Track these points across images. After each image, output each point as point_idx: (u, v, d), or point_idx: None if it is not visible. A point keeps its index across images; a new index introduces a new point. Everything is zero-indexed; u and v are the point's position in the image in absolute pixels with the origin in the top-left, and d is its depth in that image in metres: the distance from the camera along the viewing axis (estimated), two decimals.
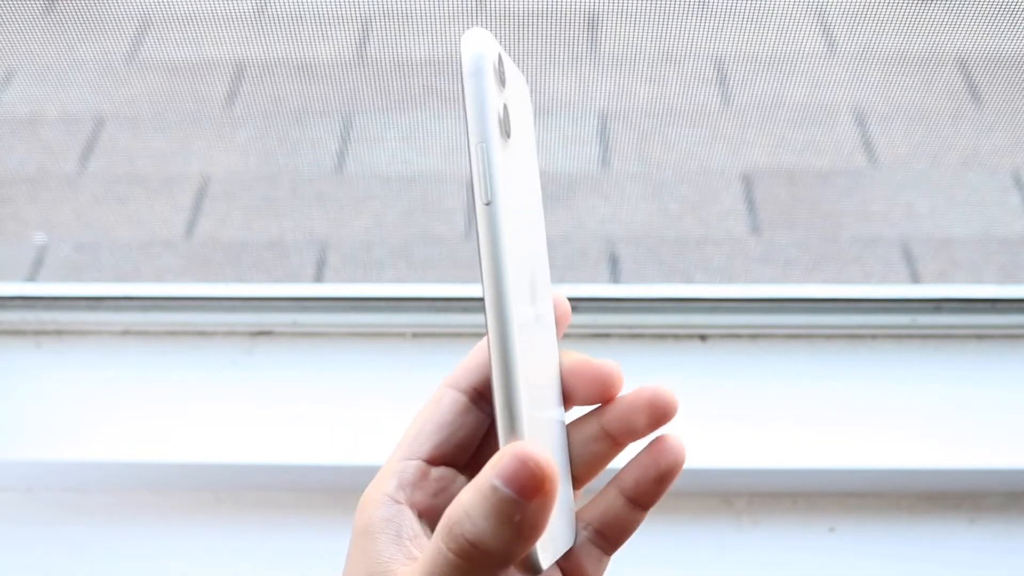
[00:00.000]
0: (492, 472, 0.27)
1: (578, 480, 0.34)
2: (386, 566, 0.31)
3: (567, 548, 0.33)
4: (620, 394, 0.34)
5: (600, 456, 0.34)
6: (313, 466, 0.71)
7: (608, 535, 0.34)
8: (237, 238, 0.95)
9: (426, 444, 0.34)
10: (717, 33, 0.75)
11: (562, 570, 0.34)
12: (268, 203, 0.97)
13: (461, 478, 0.34)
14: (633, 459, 0.34)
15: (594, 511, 0.34)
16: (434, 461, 0.34)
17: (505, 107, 0.31)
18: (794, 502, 0.71)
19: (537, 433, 0.30)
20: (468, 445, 0.35)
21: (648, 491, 0.34)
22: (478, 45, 0.30)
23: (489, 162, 0.30)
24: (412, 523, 0.32)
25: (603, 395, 0.33)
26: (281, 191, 0.98)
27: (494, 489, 0.27)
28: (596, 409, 0.34)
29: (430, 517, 0.33)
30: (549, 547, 0.31)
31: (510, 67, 0.33)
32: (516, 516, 0.27)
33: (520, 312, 0.30)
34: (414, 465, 0.34)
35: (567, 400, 0.34)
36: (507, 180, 0.30)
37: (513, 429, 0.29)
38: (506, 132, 0.31)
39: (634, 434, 0.33)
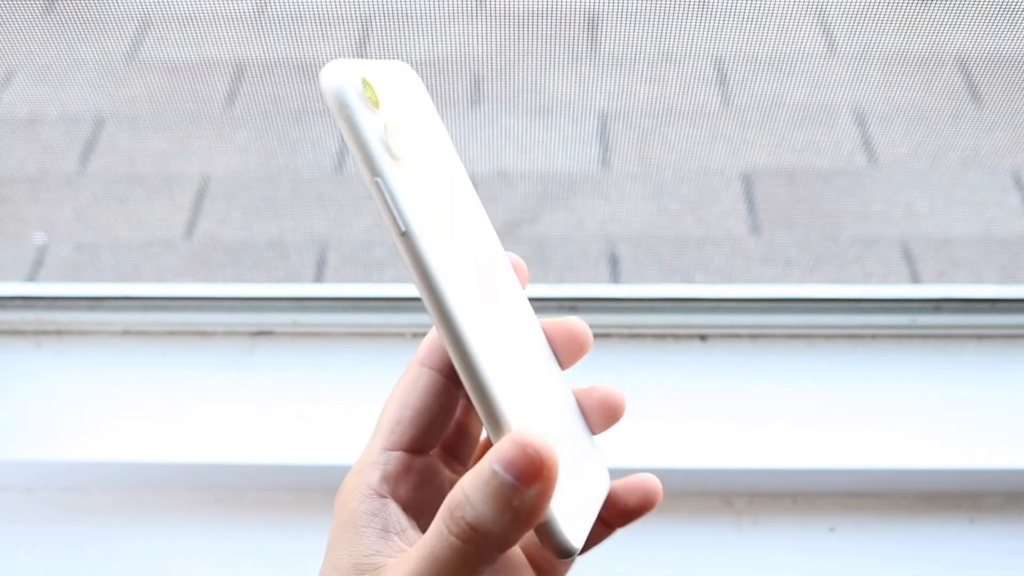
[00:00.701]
0: (493, 457, 0.28)
1: None
2: (373, 559, 0.31)
3: (598, 507, 0.33)
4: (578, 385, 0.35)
5: None
6: (313, 466, 0.71)
7: None
8: (237, 238, 0.95)
9: (407, 433, 0.34)
10: (717, 33, 0.75)
11: (532, 562, 0.35)
12: (268, 203, 0.97)
13: (443, 469, 0.35)
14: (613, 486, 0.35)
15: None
16: (416, 449, 0.34)
17: (386, 127, 0.30)
18: (794, 502, 0.71)
19: (528, 414, 0.31)
20: (446, 427, 0.35)
21: (616, 517, 0.35)
22: (336, 78, 0.29)
23: (391, 193, 0.29)
24: (399, 517, 0.32)
25: (577, 353, 0.35)
26: (281, 191, 0.98)
27: (494, 474, 0.28)
28: None
29: (414, 510, 0.33)
30: (577, 525, 0.31)
31: (387, 78, 0.31)
32: (515, 501, 0.27)
33: (474, 317, 0.30)
34: (396, 457, 0.33)
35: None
36: (415, 200, 0.30)
37: (497, 420, 0.29)
38: (395, 154, 0.30)
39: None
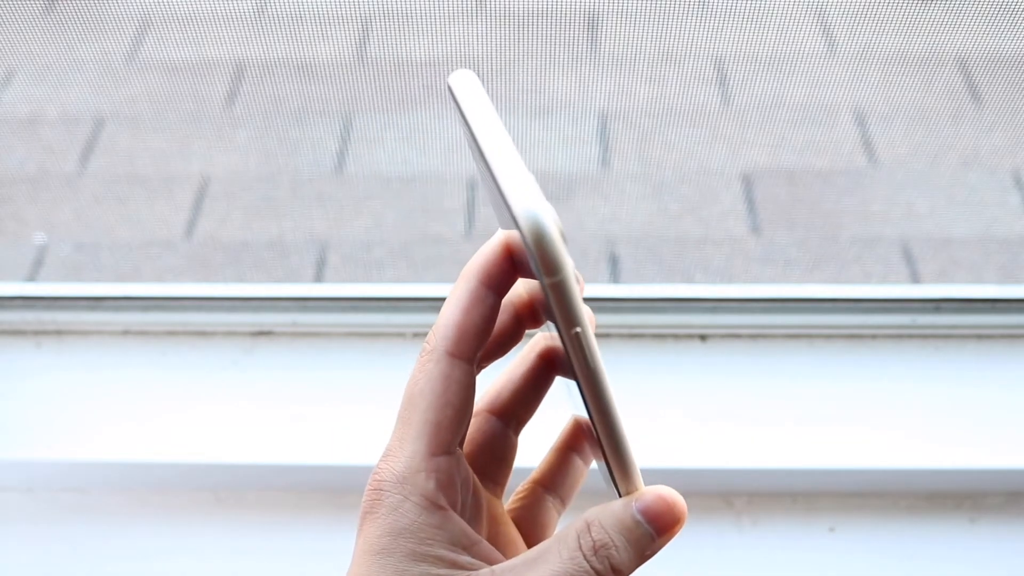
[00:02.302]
0: (638, 507, 0.31)
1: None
2: (451, 573, 0.31)
3: None
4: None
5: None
6: (313, 466, 0.71)
7: (520, 416, 0.37)
8: (237, 238, 0.95)
9: (451, 433, 0.32)
10: (717, 33, 0.75)
11: (519, 525, 0.36)
12: (268, 203, 0.97)
13: (464, 461, 0.33)
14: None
15: (501, 397, 0.37)
16: (454, 450, 0.32)
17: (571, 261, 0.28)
18: (794, 502, 0.71)
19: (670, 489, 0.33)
20: (469, 423, 0.34)
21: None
22: (543, 217, 0.26)
23: (588, 342, 0.28)
24: (464, 529, 0.32)
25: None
26: (281, 191, 0.98)
27: (638, 524, 0.31)
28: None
29: (463, 514, 0.33)
30: None
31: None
32: (648, 551, 0.31)
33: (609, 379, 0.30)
34: (446, 462, 0.32)
35: None
36: (591, 333, 0.29)
37: (632, 476, 0.31)
38: (577, 277, 0.28)
39: None
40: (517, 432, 0.37)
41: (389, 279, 0.91)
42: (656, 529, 0.31)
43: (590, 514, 0.32)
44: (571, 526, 0.32)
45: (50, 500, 0.73)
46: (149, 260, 0.94)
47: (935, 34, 0.74)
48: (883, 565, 0.69)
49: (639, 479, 0.32)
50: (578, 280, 0.28)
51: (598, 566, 0.31)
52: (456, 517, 0.32)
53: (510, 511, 0.37)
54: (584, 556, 0.31)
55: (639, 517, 0.31)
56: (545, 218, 0.26)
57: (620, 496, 0.32)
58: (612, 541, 0.31)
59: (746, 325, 0.77)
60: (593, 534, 0.31)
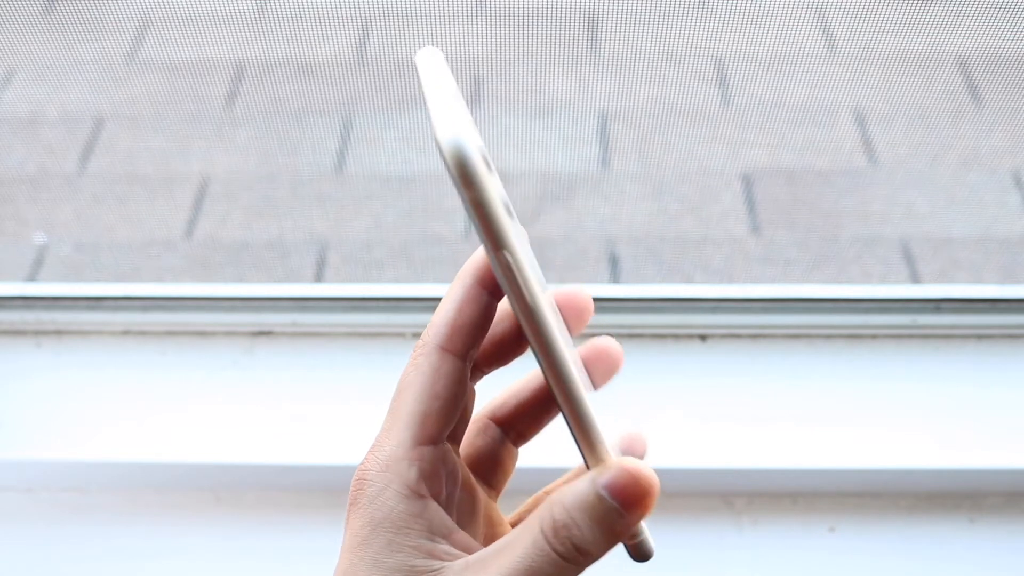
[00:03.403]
0: (600, 483, 0.29)
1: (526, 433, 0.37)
2: (426, 563, 0.31)
3: None
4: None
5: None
6: (313, 466, 0.71)
7: (521, 429, 0.36)
8: (237, 238, 0.95)
9: (438, 425, 0.32)
10: (717, 33, 0.75)
11: (475, 471, 0.35)
12: (268, 203, 0.97)
13: (455, 455, 0.34)
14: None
15: (506, 407, 0.36)
16: (441, 441, 0.32)
17: (500, 185, 0.29)
18: (794, 502, 0.72)
19: (612, 440, 0.31)
20: (462, 416, 0.34)
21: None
22: (458, 139, 0.26)
23: (518, 265, 0.28)
24: (443, 519, 0.31)
25: (609, 372, 0.35)
26: (281, 191, 0.98)
27: (600, 499, 0.29)
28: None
29: (447, 507, 0.32)
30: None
31: (460, 100, 0.30)
32: (617, 527, 0.29)
33: (572, 361, 0.29)
34: (430, 452, 0.32)
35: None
36: (526, 259, 0.29)
37: (598, 451, 0.30)
38: (509, 210, 0.29)
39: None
40: (517, 443, 0.37)
41: (389, 279, 0.91)
42: (623, 504, 0.29)
43: (555, 494, 0.30)
44: (538, 508, 0.30)
45: (50, 500, 0.73)
46: (149, 260, 0.94)
47: (935, 34, 0.75)
48: (883, 565, 0.69)
49: (606, 451, 0.29)
50: (509, 211, 0.28)
51: (559, 548, 0.29)
52: (435, 506, 0.31)
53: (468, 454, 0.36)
54: (546, 539, 0.29)
55: (603, 492, 0.29)
56: (465, 139, 0.27)
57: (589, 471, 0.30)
58: (574, 520, 0.29)
59: (746, 325, 0.77)
60: (554, 515, 0.29)
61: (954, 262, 0.92)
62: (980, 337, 0.76)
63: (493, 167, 0.28)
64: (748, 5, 0.73)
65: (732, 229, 0.94)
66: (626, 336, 0.77)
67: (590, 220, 0.95)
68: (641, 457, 0.34)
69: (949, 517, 0.71)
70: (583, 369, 0.34)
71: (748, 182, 0.97)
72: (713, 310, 0.76)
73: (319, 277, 0.91)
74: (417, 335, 0.78)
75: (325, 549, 0.70)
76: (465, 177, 0.26)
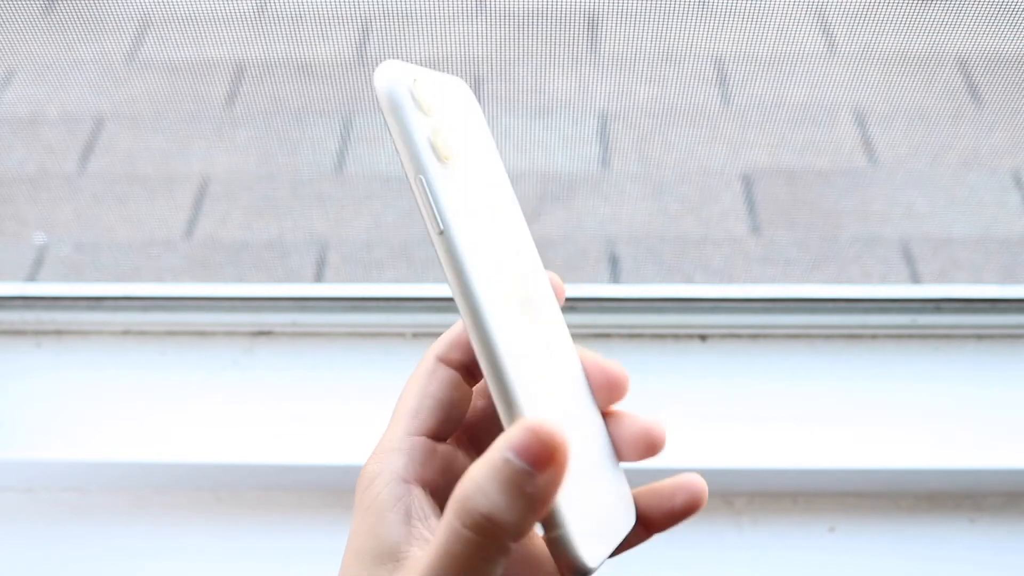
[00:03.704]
0: (505, 445, 0.27)
1: None
2: (396, 547, 0.31)
3: (619, 539, 0.33)
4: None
5: None
6: (313, 466, 0.71)
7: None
8: (237, 238, 0.95)
9: (429, 420, 0.34)
10: (717, 33, 0.75)
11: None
12: (268, 203, 0.97)
13: (462, 455, 0.35)
14: (653, 486, 0.35)
15: None
16: (437, 437, 0.34)
17: (436, 130, 0.31)
18: (794, 502, 0.72)
19: (544, 409, 0.31)
20: (462, 420, 0.35)
21: (661, 519, 0.35)
22: (389, 77, 0.30)
23: (432, 192, 0.30)
24: (422, 503, 0.32)
25: (611, 398, 0.34)
26: (281, 191, 0.98)
27: (506, 462, 0.27)
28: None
29: (437, 496, 0.33)
30: (593, 545, 0.31)
31: (439, 86, 0.32)
32: (528, 487, 0.27)
33: (503, 314, 0.31)
34: (421, 442, 0.33)
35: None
36: (455, 202, 0.30)
37: (512, 410, 0.30)
38: (441, 155, 0.31)
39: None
40: None
41: (389, 279, 0.91)
42: (529, 462, 0.27)
43: (468, 469, 0.29)
44: None
45: (50, 500, 0.73)
46: (149, 260, 0.94)
47: (935, 34, 0.74)
48: (883, 565, 0.69)
49: (520, 412, 0.29)
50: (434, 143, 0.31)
51: (467, 521, 0.27)
52: (419, 491, 0.32)
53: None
54: (455, 515, 0.28)
55: (508, 454, 0.27)
56: (396, 78, 0.30)
57: None
58: (481, 489, 0.27)
59: (746, 325, 0.77)
60: (462, 488, 0.28)
61: (954, 262, 0.92)
62: (980, 337, 0.76)
63: (423, 104, 0.31)
64: (748, 5, 0.73)
65: (732, 229, 0.94)
66: (626, 336, 0.77)
67: (590, 220, 0.95)
68: (657, 449, 0.34)
69: (949, 517, 0.71)
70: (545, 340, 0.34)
71: (748, 182, 0.97)
72: (713, 310, 0.76)
73: (319, 277, 0.91)
74: (417, 335, 0.78)
75: (325, 549, 0.70)
76: (388, 109, 0.30)
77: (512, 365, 0.30)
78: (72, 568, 0.70)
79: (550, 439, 0.27)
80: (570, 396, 0.33)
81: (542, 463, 0.27)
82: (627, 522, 0.34)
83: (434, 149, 0.30)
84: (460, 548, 0.28)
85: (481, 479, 0.28)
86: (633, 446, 0.34)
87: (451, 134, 0.32)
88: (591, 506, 0.32)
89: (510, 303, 0.31)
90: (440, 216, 0.30)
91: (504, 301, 0.31)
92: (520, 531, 0.28)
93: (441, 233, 0.30)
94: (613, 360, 0.35)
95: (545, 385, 0.32)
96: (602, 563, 0.31)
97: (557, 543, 0.30)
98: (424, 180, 0.30)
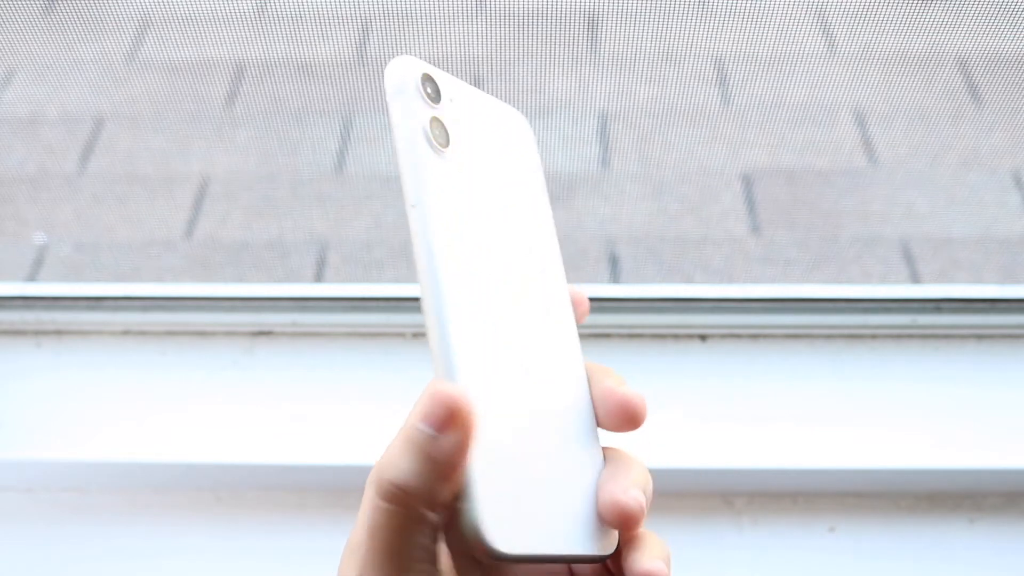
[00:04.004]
0: (412, 413, 0.28)
1: None
2: None
3: (564, 549, 0.31)
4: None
5: None
6: (313, 466, 0.71)
7: None
8: (237, 238, 0.95)
9: None
10: (717, 33, 0.75)
11: None
12: (268, 203, 0.97)
13: None
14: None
15: None
16: None
17: (437, 120, 0.32)
18: (794, 502, 0.72)
19: (492, 396, 0.30)
20: None
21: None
22: (399, 66, 0.32)
23: (413, 169, 0.31)
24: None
25: (624, 427, 0.33)
26: (281, 191, 0.98)
27: (412, 428, 0.28)
28: None
29: None
30: (518, 529, 0.29)
31: (471, 98, 0.34)
32: (432, 451, 0.28)
33: (459, 288, 0.31)
34: None
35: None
36: (438, 186, 0.31)
37: (444, 375, 0.30)
38: (436, 143, 0.32)
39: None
40: None
41: (389, 279, 0.91)
42: (432, 426, 0.28)
43: None
44: None
45: (50, 500, 0.73)
46: (149, 260, 0.94)
47: (935, 34, 0.74)
48: (883, 565, 0.69)
49: (449, 375, 0.29)
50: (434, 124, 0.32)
51: (381, 491, 0.28)
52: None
53: None
54: (371, 488, 0.29)
55: (413, 420, 0.28)
56: (402, 71, 0.33)
57: None
58: (391, 458, 0.28)
59: (746, 325, 0.76)
60: (376, 462, 0.29)
61: (954, 262, 0.92)
62: (980, 337, 0.76)
63: (453, 102, 0.33)
64: (748, 5, 0.73)
65: (732, 229, 0.94)
66: (626, 336, 0.77)
67: (590, 220, 0.95)
68: (636, 421, 0.33)
69: (949, 517, 0.71)
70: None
71: (748, 182, 0.97)
72: (713, 310, 0.76)
73: (319, 277, 0.91)
74: (417, 335, 0.78)
75: (325, 549, 0.70)
76: (390, 94, 0.32)
77: (455, 336, 0.30)
78: (72, 568, 0.70)
79: (451, 402, 0.28)
80: (541, 394, 0.32)
81: (443, 425, 0.28)
82: (590, 543, 0.31)
83: (427, 134, 0.32)
84: (379, 519, 0.28)
85: (392, 450, 0.29)
86: (610, 417, 0.33)
87: (460, 131, 0.33)
88: (531, 498, 0.30)
89: (481, 287, 0.32)
90: (415, 191, 0.31)
91: (470, 280, 0.31)
92: (430, 497, 0.28)
93: (412, 206, 0.31)
94: (634, 391, 0.33)
95: (499, 369, 0.31)
96: (525, 557, 0.29)
97: (463, 515, 0.29)
98: (408, 160, 0.31)
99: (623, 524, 0.31)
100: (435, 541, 0.29)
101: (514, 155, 0.36)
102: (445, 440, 0.28)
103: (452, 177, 0.32)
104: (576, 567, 0.34)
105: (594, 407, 0.34)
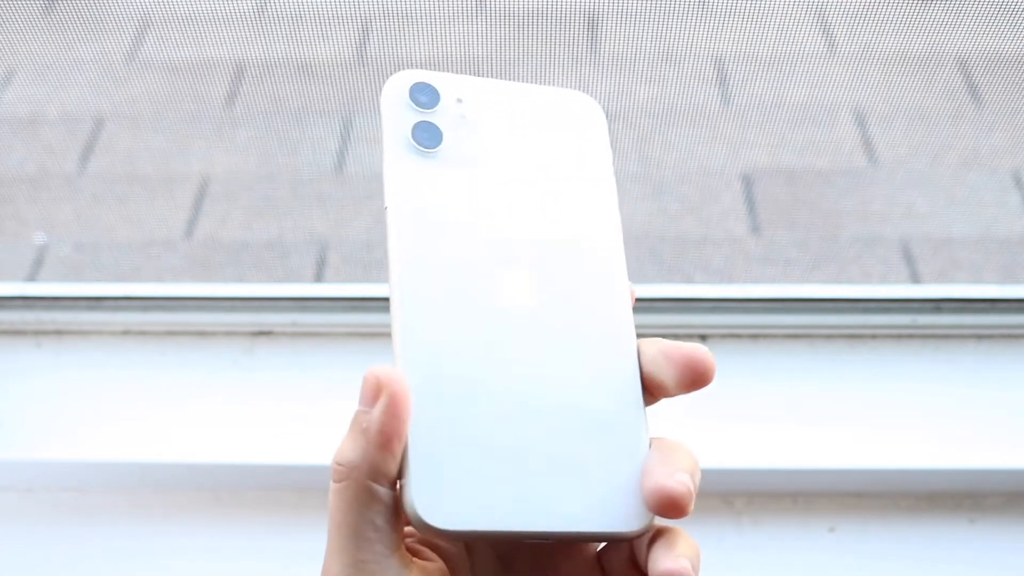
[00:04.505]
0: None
1: None
2: None
3: (523, 526, 0.30)
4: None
5: None
6: (313, 466, 0.71)
7: None
8: (237, 238, 0.95)
9: None
10: (717, 33, 0.75)
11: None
12: (268, 203, 0.97)
13: None
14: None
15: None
16: None
17: (427, 123, 0.34)
18: (794, 502, 0.72)
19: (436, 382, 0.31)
20: None
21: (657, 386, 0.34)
22: (391, 83, 0.34)
23: (387, 171, 0.33)
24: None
25: (694, 380, 0.33)
26: (281, 191, 0.98)
27: (355, 412, 0.30)
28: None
29: None
30: (450, 507, 0.29)
31: (477, 88, 0.35)
32: (364, 423, 0.29)
33: (415, 289, 0.33)
34: None
35: (659, 390, 0.34)
36: (411, 186, 0.33)
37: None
38: (420, 145, 0.33)
39: (662, 389, 0.34)
40: None
41: None
42: (362, 402, 0.30)
43: None
44: None
45: (49, 500, 0.72)
46: (149, 260, 0.94)
47: (935, 34, 0.75)
48: (883, 565, 0.69)
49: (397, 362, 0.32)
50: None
51: (333, 474, 0.30)
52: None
53: None
54: (331, 476, 0.31)
55: (358, 405, 0.31)
56: (397, 84, 0.34)
57: None
58: (341, 444, 0.31)
59: (746, 325, 0.76)
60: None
61: (954, 262, 0.92)
62: (980, 337, 0.76)
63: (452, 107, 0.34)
64: (748, 5, 0.73)
65: (732, 229, 0.94)
66: None
67: None
68: (705, 377, 0.33)
69: (949, 517, 0.71)
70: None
71: (748, 182, 0.97)
72: (713, 310, 0.76)
73: (319, 277, 0.91)
74: None
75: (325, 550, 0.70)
76: (381, 106, 0.34)
77: (400, 328, 0.33)
78: (72, 568, 0.70)
79: (377, 377, 0.30)
80: (538, 380, 0.32)
81: (371, 399, 0.30)
82: (570, 520, 0.30)
83: (407, 138, 0.33)
84: (334, 500, 0.30)
85: (344, 437, 0.31)
86: (673, 371, 0.33)
87: (464, 128, 0.34)
88: (490, 475, 0.30)
89: (455, 280, 0.32)
90: (386, 193, 0.33)
91: (438, 275, 0.33)
92: (372, 470, 0.29)
93: (385, 208, 0.33)
94: (693, 345, 0.33)
95: (466, 358, 0.32)
96: (464, 533, 0.29)
97: (402, 490, 0.29)
98: (385, 164, 0.33)
99: (666, 509, 0.32)
100: (391, 523, 0.29)
101: (559, 142, 0.36)
102: (375, 411, 0.29)
103: (442, 175, 0.33)
104: (607, 565, 0.33)
105: (647, 378, 0.34)
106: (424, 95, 0.34)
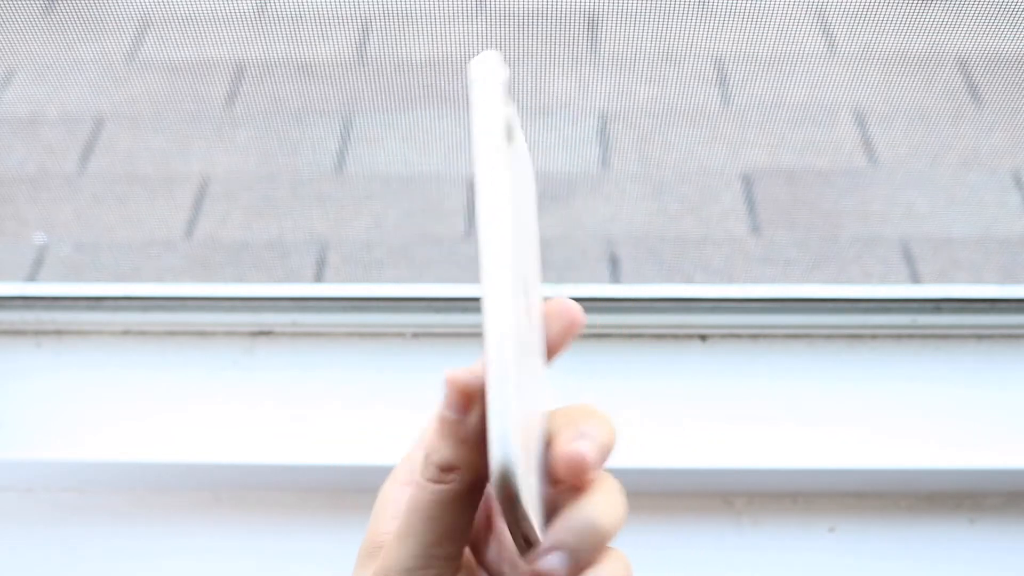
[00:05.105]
0: (440, 404, 0.30)
1: None
2: (380, 538, 0.33)
3: None
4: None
5: None
6: (313, 466, 0.71)
7: None
8: (237, 238, 0.95)
9: None
10: (717, 33, 0.75)
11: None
12: (268, 203, 0.97)
13: None
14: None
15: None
16: None
17: (512, 116, 0.33)
18: (794, 502, 0.72)
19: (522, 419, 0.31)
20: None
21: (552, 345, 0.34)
22: (488, 62, 0.33)
23: (485, 159, 0.32)
24: None
25: (570, 329, 0.35)
26: (281, 191, 0.98)
27: (442, 417, 0.30)
28: None
29: None
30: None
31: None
32: (462, 433, 0.30)
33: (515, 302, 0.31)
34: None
35: (551, 352, 0.35)
36: (509, 182, 0.32)
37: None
38: (510, 136, 0.33)
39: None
40: None
41: (389, 279, 0.91)
42: (455, 411, 0.30)
43: None
44: None
45: (50, 500, 0.73)
46: (149, 260, 0.94)
47: (935, 34, 0.75)
48: (883, 565, 0.69)
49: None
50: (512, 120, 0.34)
51: (427, 473, 0.31)
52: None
53: None
54: (419, 471, 0.31)
55: (440, 410, 0.31)
56: (489, 78, 0.33)
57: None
58: (432, 445, 0.31)
59: (746, 325, 0.77)
60: (424, 449, 0.32)
61: (954, 262, 0.92)
62: (980, 337, 0.76)
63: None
64: (748, 5, 0.73)
65: (732, 229, 0.94)
66: (626, 336, 0.77)
67: (590, 220, 0.95)
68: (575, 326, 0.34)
69: (949, 517, 0.71)
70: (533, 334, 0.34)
71: (748, 182, 0.97)
72: (713, 310, 0.76)
73: (319, 277, 0.91)
74: (417, 335, 0.78)
75: (325, 550, 0.70)
76: (478, 87, 0.33)
77: (503, 323, 0.30)
78: (72, 568, 0.70)
79: (465, 386, 0.30)
80: (536, 397, 0.33)
81: (464, 407, 0.30)
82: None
83: (507, 131, 0.33)
84: (426, 498, 0.30)
85: (431, 436, 0.31)
86: (558, 331, 0.34)
87: (516, 131, 0.34)
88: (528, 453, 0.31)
89: (519, 279, 0.33)
90: (491, 181, 0.32)
91: (516, 285, 0.32)
92: (475, 474, 0.30)
93: (486, 195, 0.32)
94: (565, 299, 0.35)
95: (525, 391, 0.32)
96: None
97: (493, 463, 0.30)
98: (481, 150, 0.32)
99: (568, 473, 0.31)
100: (470, 526, 0.31)
101: (526, 171, 0.37)
102: (470, 420, 0.30)
103: (512, 173, 0.33)
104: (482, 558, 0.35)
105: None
106: (506, 90, 0.34)
